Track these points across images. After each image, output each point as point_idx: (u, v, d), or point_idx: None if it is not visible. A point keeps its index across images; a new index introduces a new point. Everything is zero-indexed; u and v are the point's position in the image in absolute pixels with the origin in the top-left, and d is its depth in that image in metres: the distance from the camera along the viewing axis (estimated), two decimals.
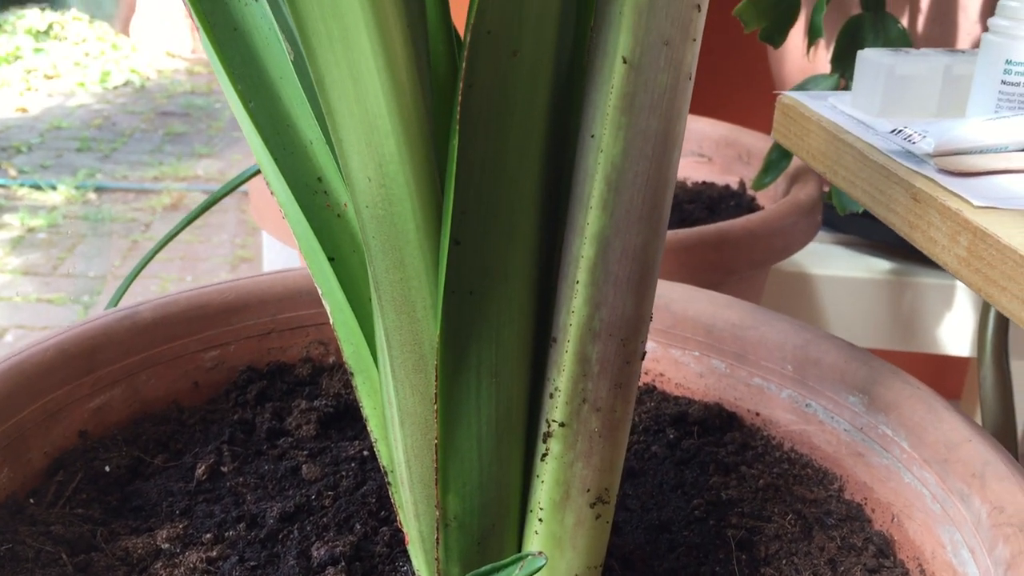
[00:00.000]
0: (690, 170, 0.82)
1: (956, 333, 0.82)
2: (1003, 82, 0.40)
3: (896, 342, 0.85)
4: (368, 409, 0.35)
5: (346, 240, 0.36)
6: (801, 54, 0.76)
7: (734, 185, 0.78)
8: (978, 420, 0.62)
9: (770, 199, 0.73)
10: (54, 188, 2.24)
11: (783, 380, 0.44)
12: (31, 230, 2.05)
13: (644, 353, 0.32)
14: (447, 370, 0.30)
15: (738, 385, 0.46)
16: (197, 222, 2.23)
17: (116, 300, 0.47)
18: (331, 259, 0.35)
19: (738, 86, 1.03)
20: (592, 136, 0.29)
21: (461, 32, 0.33)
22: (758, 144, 0.77)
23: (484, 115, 0.28)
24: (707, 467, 0.42)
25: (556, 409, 0.31)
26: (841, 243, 0.84)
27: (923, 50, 0.44)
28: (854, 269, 0.80)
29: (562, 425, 0.31)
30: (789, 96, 0.46)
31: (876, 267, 0.81)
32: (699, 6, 0.28)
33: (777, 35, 0.61)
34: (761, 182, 0.67)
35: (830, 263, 0.81)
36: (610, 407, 0.31)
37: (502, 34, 0.27)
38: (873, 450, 0.40)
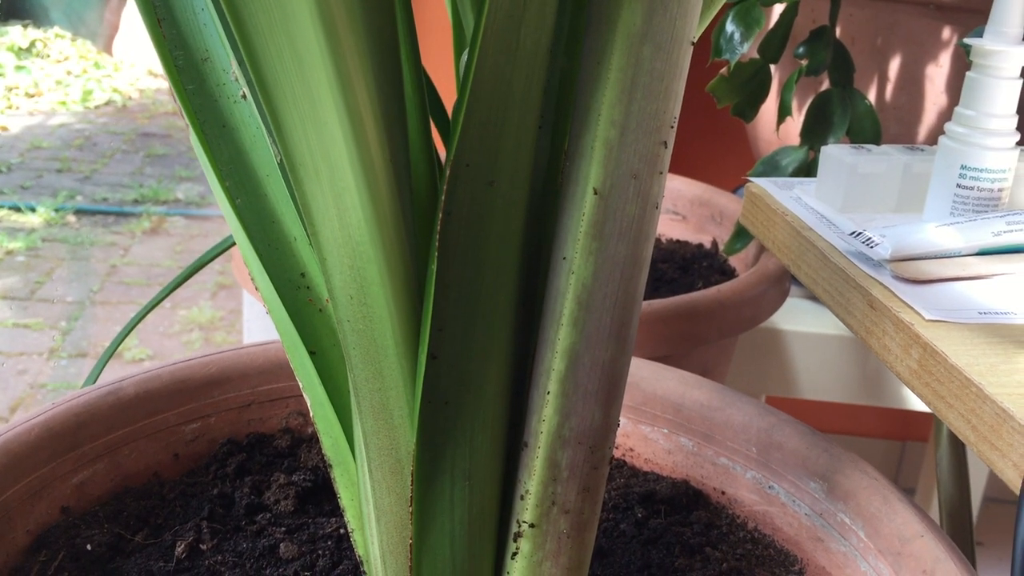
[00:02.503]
0: (665, 227, 0.84)
1: None
2: (958, 185, 0.42)
3: (864, 397, 0.87)
4: (345, 500, 0.36)
5: (327, 335, 0.37)
6: (776, 117, 0.79)
7: (707, 244, 0.80)
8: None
9: (741, 260, 0.75)
10: (33, 210, 2.24)
11: (748, 461, 0.46)
12: (9, 253, 2.04)
13: (612, 458, 0.33)
14: (423, 474, 0.32)
15: (705, 463, 0.48)
16: (178, 248, 2.23)
17: (95, 376, 0.48)
18: (312, 353, 0.37)
19: (715, 145, 1.06)
20: (564, 258, 0.30)
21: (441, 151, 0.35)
22: (730, 206, 0.79)
23: (462, 241, 0.29)
24: (673, 548, 0.44)
25: (526, 511, 0.33)
26: (810, 298, 0.86)
27: (884, 147, 0.46)
28: (823, 326, 0.82)
29: (532, 526, 0.33)
30: (757, 185, 0.48)
31: None
32: (665, 143, 0.29)
33: (749, 110, 0.63)
34: (732, 248, 0.69)
35: (799, 319, 0.83)
36: (578, 509, 0.33)
37: (480, 166, 0.29)
38: (832, 536, 0.42)
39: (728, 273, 0.74)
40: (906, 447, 1.29)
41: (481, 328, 0.31)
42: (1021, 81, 0.41)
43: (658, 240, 0.82)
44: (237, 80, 0.39)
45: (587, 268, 0.30)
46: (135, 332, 1.79)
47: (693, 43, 0.29)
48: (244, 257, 0.38)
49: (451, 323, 0.30)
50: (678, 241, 0.81)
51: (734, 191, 1.06)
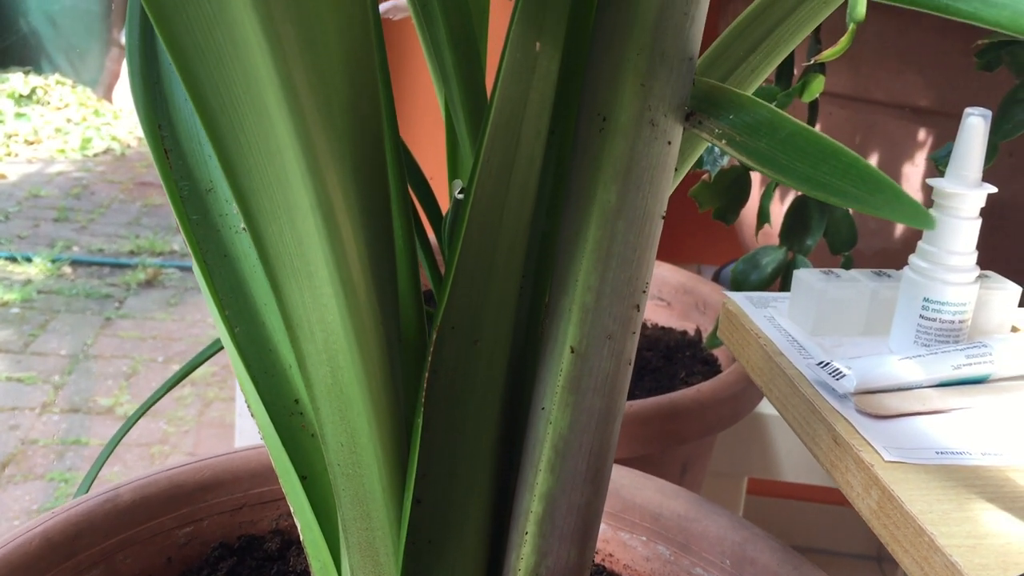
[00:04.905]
0: (650, 312, 0.86)
1: None
2: (921, 316, 0.44)
3: None
4: None
5: (318, 460, 0.39)
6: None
7: (691, 331, 0.82)
8: None
9: (724, 351, 0.77)
10: (29, 261, 2.25)
11: (722, 573, 0.48)
12: (4, 304, 2.06)
13: None
14: None
15: (681, 572, 0.49)
16: (172, 300, 2.24)
17: (88, 484, 0.50)
18: (303, 478, 0.38)
19: (705, 217, 1.08)
20: (543, 408, 0.32)
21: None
22: (713, 295, 0.81)
23: (446, 396, 0.31)
24: None
25: None
26: None
27: (852, 272, 0.49)
28: None
29: None
30: (733, 303, 0.50)
31: None
32: (638, 306, 0.31)
33: (730, 214, 0.66)
34: (712, 342, 0.71)
35: None
36: None
37: (464, 327, 0.31)
38: None
39: (711, 363, 0.76)
40: None
41: (463, 474, 0.32)
42: (979, 220, 0.44)
43: (644, 325, 0.84)
44: (239, 212, 0.41)
45: (564, 419, 0.32)
46: (127, 388, 1.80)
47: (663, 217, 0.31)
48: (240, 383, 0.39)
49: (435, 470, 0.32)
50: (663, 328, 0.83)
51: (721, 268, 1.09)
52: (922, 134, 0.78)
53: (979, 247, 0.45)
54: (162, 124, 0.42)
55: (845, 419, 0.39)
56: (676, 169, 0.32)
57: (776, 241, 0.69)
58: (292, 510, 0.39)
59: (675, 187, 0.36)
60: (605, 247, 0.30)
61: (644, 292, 0.31)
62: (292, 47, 0.24)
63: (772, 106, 0.28)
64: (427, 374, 0.30)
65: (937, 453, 0.37)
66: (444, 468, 0.32)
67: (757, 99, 0.29)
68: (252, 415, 0.39)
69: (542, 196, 0.32)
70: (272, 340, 0.40)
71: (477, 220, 0.29)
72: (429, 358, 0.30)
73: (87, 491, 0.47)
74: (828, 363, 0.42)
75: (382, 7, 0.75)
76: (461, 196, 0.32)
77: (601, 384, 0.32)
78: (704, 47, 0.36)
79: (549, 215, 0.33)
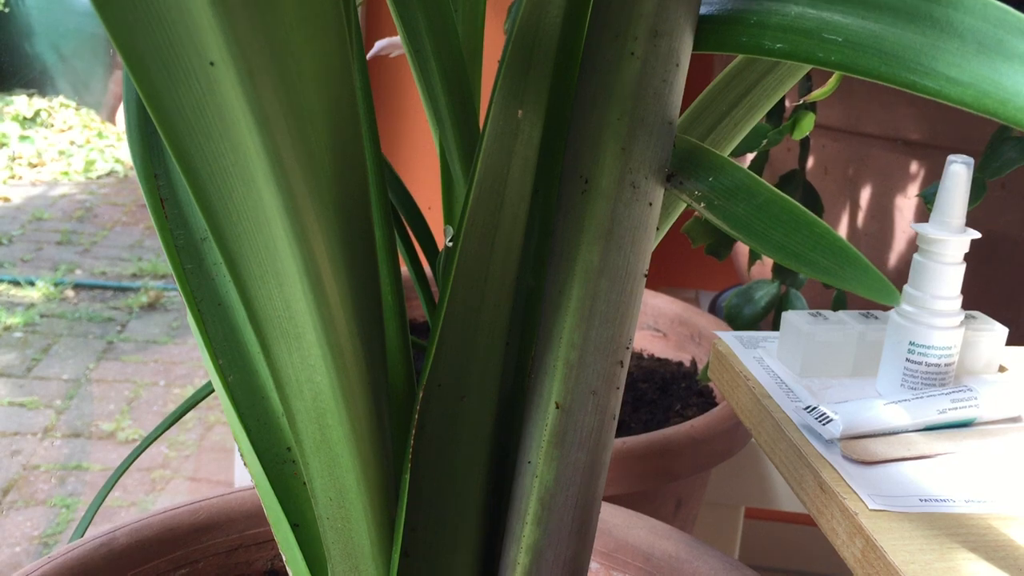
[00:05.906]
0: (646, 342, 0.86)
1: None
2: (908, 360, 0.45)
3: None
4: None
5: (310, 508, 0.39)
6: None
7: (687, 362, 0.82)
8: None
9: None
10: (32, 284, 2.26)
11: None
12: (7, 328, 2.07)
13: None
14: None
15: None
16: (174, 323, 2.24)
17: (88, 521, 0.50)
18: (295, 526, 0.39)
19: (702, 252, 1.09)
20: (529, 462, 0.33)
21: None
22: (708, 327, 0.82)
23: (434, 451, 0.32)
24: None
25: None
26: None
27: (840, 314, 0.49)
28: None
29: None
30: (723, 343, 0.51)
31: None
32: (622, 362, 0.32)
33: (722, 250, 0.67)
34: (706, 376, 0.71)
35: None
36: None
37: (451, 385, 0.31)
38: None
39: (706, 395, 0.77)
40: None
41: (451, 527, 0.33)
42: (964, 265, 0.44)
43: (640, 356, 0.84)
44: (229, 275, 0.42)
45: (550, 472, 0.33)
46: (129, 413, 1.80)
47: (646, 275, 0.32)
48: (234, 433, 0.40)
49: (423, 524, 0.32)
50: (658, 359, 0.83)
51: (718, 295, 1.09)
52: (914, 166, 0.79)
53: (970, 277, 0.45)
54: (158, 173, 0.43)
55: (831, 465, 0.40)
56: (658, 228, 0.32)
57: (770, 272, 0.70)
58: (284, 559, 0.39)
59: (670, 224, 0.37)
60: (588, 305, 0.31)
61: (628, 348, 0.32)
62: (280, 124, 0.25)
63: (749, 170, 0.29)
64: (414, 430, 0.31)
65: (921, 500, 0.38)
66: (432, 522, 0.33)
67: (735, 163, 0.29)
68: (245, 464, 0.40)
69: (527, 255, 0.33)
70: (265, 388, 0.41)
71: (463, 279, 0.30)
72: (416, 416, 0.31)
73: (88, 525, 0.47)
74: (815, 408, 0.43)
75: (380, 44, 0.76)
76: (452, 244, 0.32)
77: (586, 439, 0.32)
78: (697, 92, 0.37)
79: (534, 273, 0.33)
